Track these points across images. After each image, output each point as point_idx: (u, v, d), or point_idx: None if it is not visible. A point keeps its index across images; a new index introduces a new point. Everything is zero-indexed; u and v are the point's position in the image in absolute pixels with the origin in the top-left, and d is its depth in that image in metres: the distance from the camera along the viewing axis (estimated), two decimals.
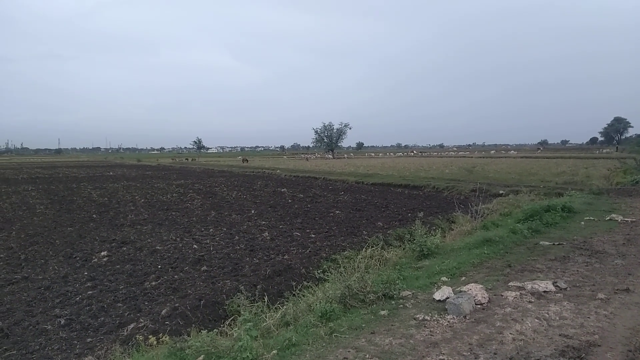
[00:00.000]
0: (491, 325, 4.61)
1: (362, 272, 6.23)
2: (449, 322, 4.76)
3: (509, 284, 6.03)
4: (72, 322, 6.91)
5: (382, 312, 5.19)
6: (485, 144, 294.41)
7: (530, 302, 5.26)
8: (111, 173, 46.67)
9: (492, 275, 6.62)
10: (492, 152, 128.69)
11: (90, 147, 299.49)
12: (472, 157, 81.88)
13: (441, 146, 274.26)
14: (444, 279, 6.59)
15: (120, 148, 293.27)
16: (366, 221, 14.69)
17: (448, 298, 5.32)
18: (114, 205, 19.97)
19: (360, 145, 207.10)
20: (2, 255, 10.99)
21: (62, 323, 6.85)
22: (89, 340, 6.26)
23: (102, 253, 10.91)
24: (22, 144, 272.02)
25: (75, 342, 6.23)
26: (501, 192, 19.99)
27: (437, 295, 5.56)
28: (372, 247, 9.23)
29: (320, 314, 5.16)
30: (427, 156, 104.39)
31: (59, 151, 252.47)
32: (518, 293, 5.56)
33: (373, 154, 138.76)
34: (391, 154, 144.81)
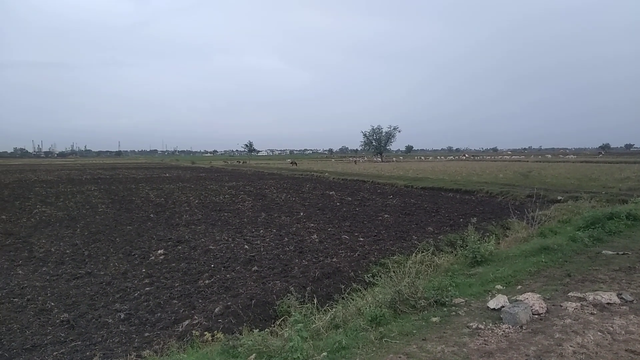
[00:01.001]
0: (549, 336, 4.41)
1: (413, 277, 6.13)
2: (504, 331, 4.61)
3: (569, 294, 5.74)
4: (131, 316, 7.25)
5: (434, 319, 5.10)
6: (542, 147, 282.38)
7: (592, 313, 4.99)
8: (167, 174, 48.62)
9: (550, 284, 6.33)
10: (549, 156, 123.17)
11: (148, 150, 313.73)
12: (527, 161, 78.80)
13: (495, 150, 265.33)
14: (498, 287, 6.38)
15: (176, 150, 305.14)
16: (416, 226, 14.46)
17: (503, 307, 5.14)
18: (169, 206, 20.79)
19: (409, 149, 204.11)
20: (68, 252, 11.71)
21: (122, 317, 7.20)
22: (146, 334, 6.54)
23: (159, 251, 11.38)
24: (85, 147, 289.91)
25: (134, 335, 6.53)
26: (559, 198, 19.08)
27: (492, 304, 5.39)
28: (423, 252, 9.07)
29: (370, 318, 5.14)
30: (479, 160, 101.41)
31: (119, 153, 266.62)
32: (579, 304, 5.29)
33: (423, 158, 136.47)
34: (442, 157, 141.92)
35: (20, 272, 9.87)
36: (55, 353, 5.98)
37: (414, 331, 4.80)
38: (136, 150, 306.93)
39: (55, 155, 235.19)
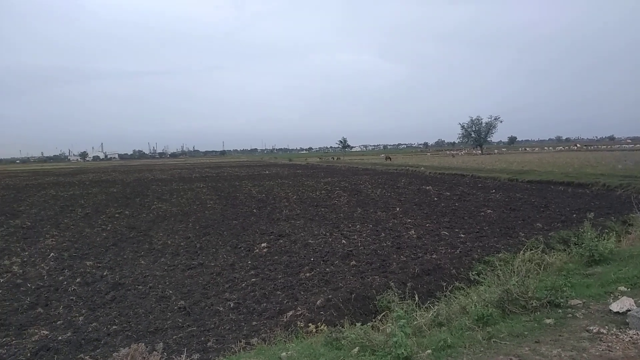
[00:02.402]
0: None
1: (522, 276, 5.77)
2: (631, 337, 4.17)
3: None
4: (240, 305, 7.72)
5: (548, 321, 4.76)
6: None
7: None
8: (267, 172, 50.85)
9: None
10: None
11: (249, 148, 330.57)
12: None
13: (611, 138, 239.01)
14: (622, 288, 5.77)
15: (274, 149, 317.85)
16: (522, 222, 13.60)
17: (629, 310, 4.65)
18: (270, 201, 21.75)
19: (512, 140, 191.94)
20: (182, 244, 12.78)
21: (231, 306, 7.69)
22: (254, 323, 6.92)
23: (263, 244, 11.97)
24: (194, 147, 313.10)
25: (243, 324, 6.94)
26: None
27: (615, 307, 4.89)
28: (531, 250, 8.47)
29: (476, 317, 4.94)
30: (594, 150, 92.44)
31: (223, 152, 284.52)
32: None
33: (528, 149, 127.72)
34: (550, 148, 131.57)
35: (142, 262, 10.98)
36: (174, 337, 6.56)
37: (526, 333, 4.52)
38: (238, 149, 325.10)
39: (168, 156, 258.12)
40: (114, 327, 7.05)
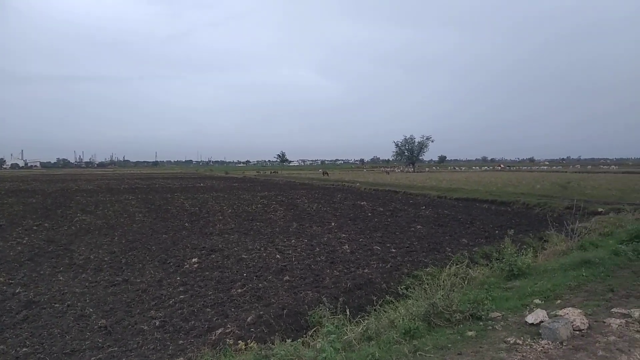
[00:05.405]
0: (592, 354, 4.23)
1: (447, 290, 6.01)
2: (543, 347, 4.44)
3: (612, 310, 5.49)
4: (166, 324, 7.39)
5: (470, 333, 4.97)
6: (582, 157, 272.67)
7: (638, 331, 4.75)
8: (201, 184, 49.57)
9: (592, 299, 6.07)
10: (589, 166, 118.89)
11: (184, 160, 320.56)
12: (566, 171, 76.36)
13: (531, 160, 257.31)
14: (537, 301, 6.17)
15: (210, 161, 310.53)
16: (449, 237, 14.21)
17: (542, 322, 4.96)
18: (203, 215, 21.18)
19: (442, 159, 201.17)
20: (106, 259, 12.08)
21: (157, 324, 7.35)
22: (180, 342, 6.65)
23: (193, 260, 11.59)
24: (124, 157, 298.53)
25: (169, 343, 6.65)
26: (600, 210, 18.35)
27: (530, 319, 5.20)
28: (457, 264, 8.88)
29: (403, 331, 5.06)
30: (515, 170, 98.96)
31: (156, 163, 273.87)
32: (623, 320, 5.04)
33: (456, 168, 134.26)
34: (476, 167, 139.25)
35: (61, 278, 10.24)
36: (93, 358, 6.15)
37: (449, 345, 4.69)
38: (172, 161, 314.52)
39: (95, 165, 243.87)
40: (24, 349, 6.49)
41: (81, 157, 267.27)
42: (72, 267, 11.26)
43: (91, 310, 8.11)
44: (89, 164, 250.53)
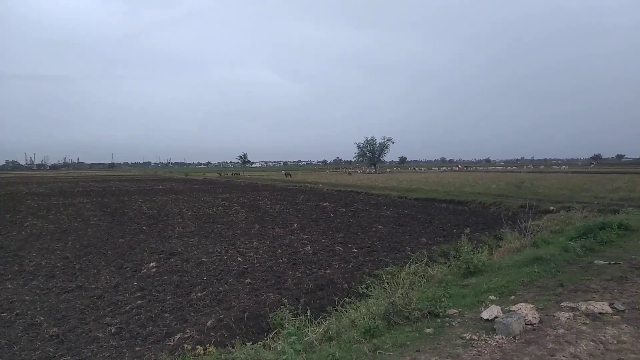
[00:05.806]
0: (543, 346, 4.40)
1: (407, 288, 6.12)
2: (497, 342, 4.59)
3: (562, 304, 5.74)
4: (122, 330, 7.16)
5: (428, 330, 5.07)
6: (534, 158, 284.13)
7: (584, 323, 4.99)
8: (160, 187, 48.43)
9: (543, 294, 6.33)
10: (542, 167, 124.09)
11: (142, 162, 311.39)
12: (520, 172, 79.29)
13: (487, 161, 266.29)
14: (492, 297, 6.37)
15: (169, 162, 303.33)
16: (409, 237, 14.48)
17: (497, 317, 5.13)
18: (162, 218, 20.67)
19: (403, 160, 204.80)
20: (59, 265, 11.59)
21: (112, 331, 7.11)
22: (137, 349, 6.46)
23: (151, 264, 11.29)
24: (78, 159, 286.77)
25: (125, 350, 6.45)
26: (551, 208, 19.19)
27: (485, 314, 5.37)
28: (416, 263, 9.05)
29: (363, 330, 5.10)
30: (472, 171, 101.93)
31: (112, 165, 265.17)
32: (571, 314, 5.28)
33: (416, 169, 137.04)
34: (435, 168, 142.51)
35: (9, 286, 9.75)
36: None
37: (408, 342, 4.77)
38: (129, 163, 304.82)
39: (48, 168, 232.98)
40: None
41: (32, 159, 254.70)
42: (21, 273, 10.74)
43: (42, 318, 7.76)
44: (41, 167, 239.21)
